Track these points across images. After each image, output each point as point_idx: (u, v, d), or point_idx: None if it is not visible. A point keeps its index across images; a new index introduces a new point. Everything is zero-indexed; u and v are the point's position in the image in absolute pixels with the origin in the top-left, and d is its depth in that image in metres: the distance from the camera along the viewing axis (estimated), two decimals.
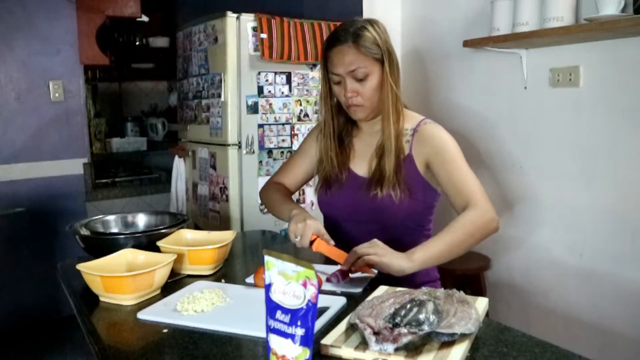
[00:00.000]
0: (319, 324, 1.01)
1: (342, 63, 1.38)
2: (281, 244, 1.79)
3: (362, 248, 1.24)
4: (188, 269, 1.34)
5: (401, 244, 1.32)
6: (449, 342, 0.89)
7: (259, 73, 2.55)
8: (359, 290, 1.21)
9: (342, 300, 1.13)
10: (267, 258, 0.85)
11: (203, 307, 1.09)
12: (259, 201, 2.61)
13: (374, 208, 1.41)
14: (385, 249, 1.24)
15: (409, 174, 1.42)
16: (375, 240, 1.26)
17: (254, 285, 1.24)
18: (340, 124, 1.53)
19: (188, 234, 1.49)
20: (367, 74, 1.38)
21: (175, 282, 1.29)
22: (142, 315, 1.09)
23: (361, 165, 1.50)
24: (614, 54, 1.98)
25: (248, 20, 2.51)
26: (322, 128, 1.52)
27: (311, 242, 1.32)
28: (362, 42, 1.36)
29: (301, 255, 1.42)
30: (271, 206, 1.59)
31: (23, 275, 3.04)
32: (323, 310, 1.06)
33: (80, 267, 1.19)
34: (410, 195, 1.41)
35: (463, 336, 0.90)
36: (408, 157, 1.43)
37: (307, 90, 2.66)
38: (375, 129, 1.49)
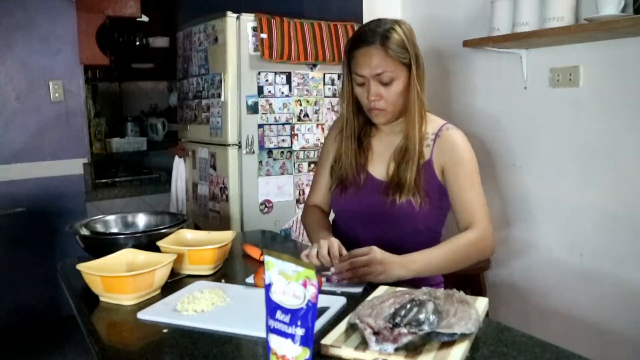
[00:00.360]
0: (319, 324, 1.01)
1: (368, 65, 1.34)
2: (281, 244, 1.79)
3: (359, 261, 1.20)
4: (188, 269, 1.34)
5: (411, 246, 1.32)
6: (449, 342, 0.89)
7: (259, 73, 2.55)
8: (359, 290, 1.21)
9: (342, 300, 1.13)
10: (267, 258, 0.85)
11: (203, 307, 1.09)
12: (259, 201, 2.61)
13: (393, 213, 1.39)
14: (383, 264, 1.21)
15: (427, 180, 1.40)
16: (374, 248, 1.23)
17: (254, 286, 1.24)
18: (360, 124, 1.49)
19: (188, 234, 1.49)
20: (393, 79, 1.35)
21: (175, 282, 1.29)
22: (142, 315, 1.09)
23: (379, 168, 1.47)
24: (614, 54, 1.98)
25: (248, 20, 2.51)
26: (344, 128, 1.48)
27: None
28: (390, 45, 1.33)
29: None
30: (308, 231, 1.58)
31: (23, 275, 3.04)
32: (323, 310, 1.06)
33: (80, 267, 1.19)
34: (429, 202, 1.39)
35: (463, 336, 0.90)
36: (428, 162, 1.41)
37: (307, 90, 2.66)
38: (396, 130, 1.46)
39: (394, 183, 1.40)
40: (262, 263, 1.29)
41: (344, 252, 1.28)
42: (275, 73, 2.58)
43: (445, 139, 1.42)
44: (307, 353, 0.82)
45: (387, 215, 1.40)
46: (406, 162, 1.39)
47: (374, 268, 1.20)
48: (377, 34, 1.34)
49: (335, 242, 1.29)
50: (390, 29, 1.35)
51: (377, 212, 1.42)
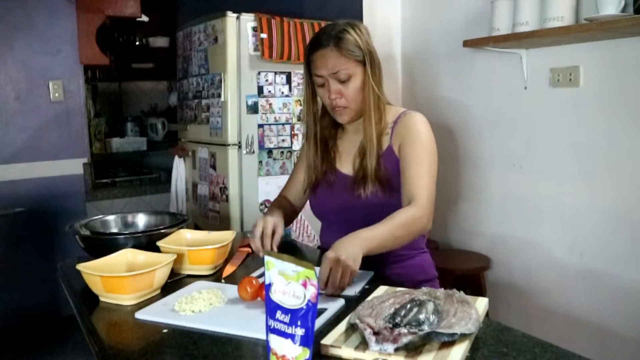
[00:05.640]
0: (318, 324, 1.00)
1: (324, 66, 1.40)
2: (281, 244, 1.79)
3: (323, 275, 1.15)
4: (188, 269, 1.34)
5: None
6: (449, 342, 0.89)
7: (259, 73, 2.55)
8: (354, 292, 1.20)
9: (341, 302, 1.13)
10: (267, 258, 0.85)
11: (200, 308, 1.09)
12: (259, 201, 2.61)
13: (362, 207, 1.42)
14: (346, 261, 1.16)
15: (390, 167, 1.43)
16: (325, 254, 1.18)
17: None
18: (323, 127, 1.54)
19: (188, 234, 1.49)
20: (349, 75, 1.40)
21: (175, 282, 1.29)
22: (140, 315, 1.09)
23: (347, 164, 1.51)
24: (614, 54, 1.98)
25: (248, 20, 2.51)
26: (306, 132, 1.55)
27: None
28: (344, 45, 1.38)
29: (301, 255, 1.43)
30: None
31: (23, 275, 3.04)
32: (320, 312, 1.06)
33: (80, 267, 1.19)
34: (396, 189, 1.41)
35: (463, 336, 0.90)
36: (388, 148, 1.44)
37: None
38: (359, 129, 1.49)
39: (359, 177, 1.45)
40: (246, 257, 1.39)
41: (280, 230, 1.43)
42: (275, 73, 2.58)
43: (402, 122, 1.45)
44: (307, 353, 0.82)
45: (358, 210, 1.43)
46: (367, 155, 1.43)
47: (339, 266, 1.15)
48: (331, 36, 1.40)
49: (269, 222, 1.41)
50: (342, 30, 1.40)
51: (348, 207, 1.46)
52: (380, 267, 1.38)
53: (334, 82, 1.40)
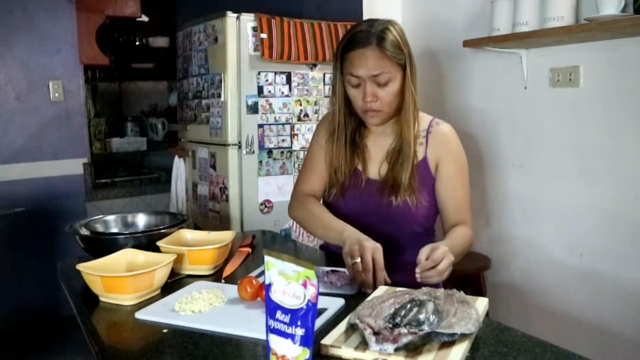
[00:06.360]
0: (317, 324, 1.00)
1: (364, 66, 1.32)
2: (281, 244, 1.79)
3: (439, 257, 1.17)
4: (188, 269, 1.34)
5: (406, 243, 1.33)
6: (449, 342, 0.89)
7: (259, 73, 2.55)
8: (353, 292, 1.20)
9: (340, 302, 1.13)
10: (267, 258, 0.85)
11: (200, 308, 1.09)
12: (259, 201, 2.61)
13: (390, 214, 1.39)
14: (445, 252, 1.18)
15: (423, 178, 1.40)
16: (438, 245, 1.19)
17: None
18: (352, 126, 1.47)
19: (188, 234, 1.49)
20: (389, 79, 1.33)
21: (175, 282, 1.29)
22: (140, 315, 1.09)
23: (373, 168, 1.46)
24: (614, 54, 1.98)
25: (248, 20, 2.51)
26: (336, 131, 1.45)
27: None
28: (387, 46, 1.31)
29: (301, 255, 1.42)
30: (312, 224, 1.45)
31: (23, 275, 3.04)
32: (320, 312, 1.06)
33: (80, 267, 1.19)
34: (425, 200, 1.40)
35: (463, 336, 0.90)
36: (423, 160, 1.41)
37: (307, 90, 2.66)
38: (387, 131, 1.45)
39: (388, 184, 1.40)
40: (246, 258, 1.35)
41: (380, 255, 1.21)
42: (275, 73, 2.58)
43: (437, 134, 1.43)
44: (307, 353, 0.82)
45: (385, 216, 1.40)
46: (401, 163, 1.39)
47: (439, 252, 1.17)
48: (373, 34, 1.32)
49: (379, 250, 1.21)
50: (385, 29, 1.33)
51: (375, 212, 1.42)
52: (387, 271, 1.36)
53: (371, 85, 1.33)
